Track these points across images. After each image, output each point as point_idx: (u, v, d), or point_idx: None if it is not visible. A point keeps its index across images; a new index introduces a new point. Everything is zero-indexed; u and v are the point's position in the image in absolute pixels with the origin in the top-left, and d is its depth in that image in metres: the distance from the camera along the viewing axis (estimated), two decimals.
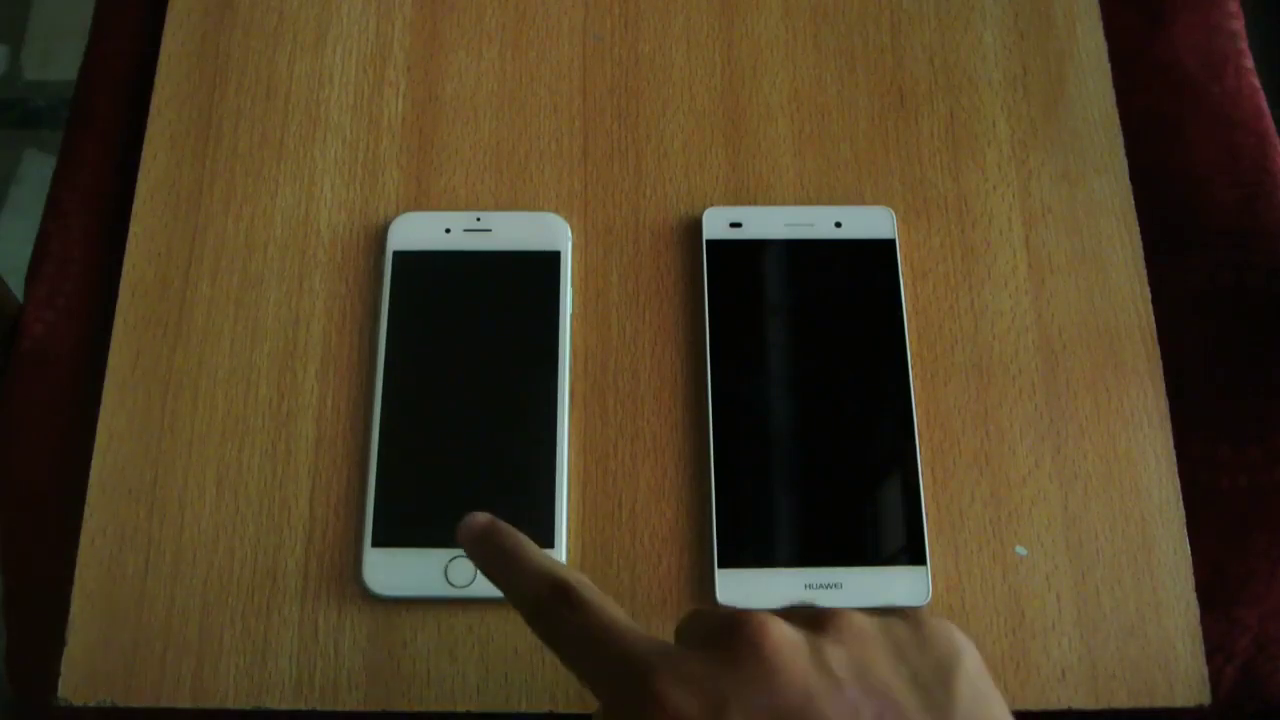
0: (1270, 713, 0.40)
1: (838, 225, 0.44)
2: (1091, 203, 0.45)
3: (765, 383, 0.42)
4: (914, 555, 0.40)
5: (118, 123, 0.49)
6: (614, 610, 0.31)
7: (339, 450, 0.42)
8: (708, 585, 0.40)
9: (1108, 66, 0.48)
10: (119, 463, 0.42)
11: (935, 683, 0.27)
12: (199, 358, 0.43)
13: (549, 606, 0.31)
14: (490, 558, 0.34)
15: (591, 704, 0.39)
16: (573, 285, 0.44)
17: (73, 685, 0.39)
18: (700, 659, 0.28)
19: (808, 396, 0.42)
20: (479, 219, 0.44)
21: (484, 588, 0.39)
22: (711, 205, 0.45)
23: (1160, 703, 0.39)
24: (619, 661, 0.29)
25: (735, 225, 0.44)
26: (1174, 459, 0.42)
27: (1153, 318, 0.44)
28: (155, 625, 0.40)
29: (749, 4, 0.49)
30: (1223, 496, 0.42)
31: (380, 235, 0.45)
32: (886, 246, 0.44)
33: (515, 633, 0.40)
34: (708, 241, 0.44)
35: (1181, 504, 0.41)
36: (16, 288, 0.47)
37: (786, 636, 0.28)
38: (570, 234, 0.45)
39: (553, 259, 0.44)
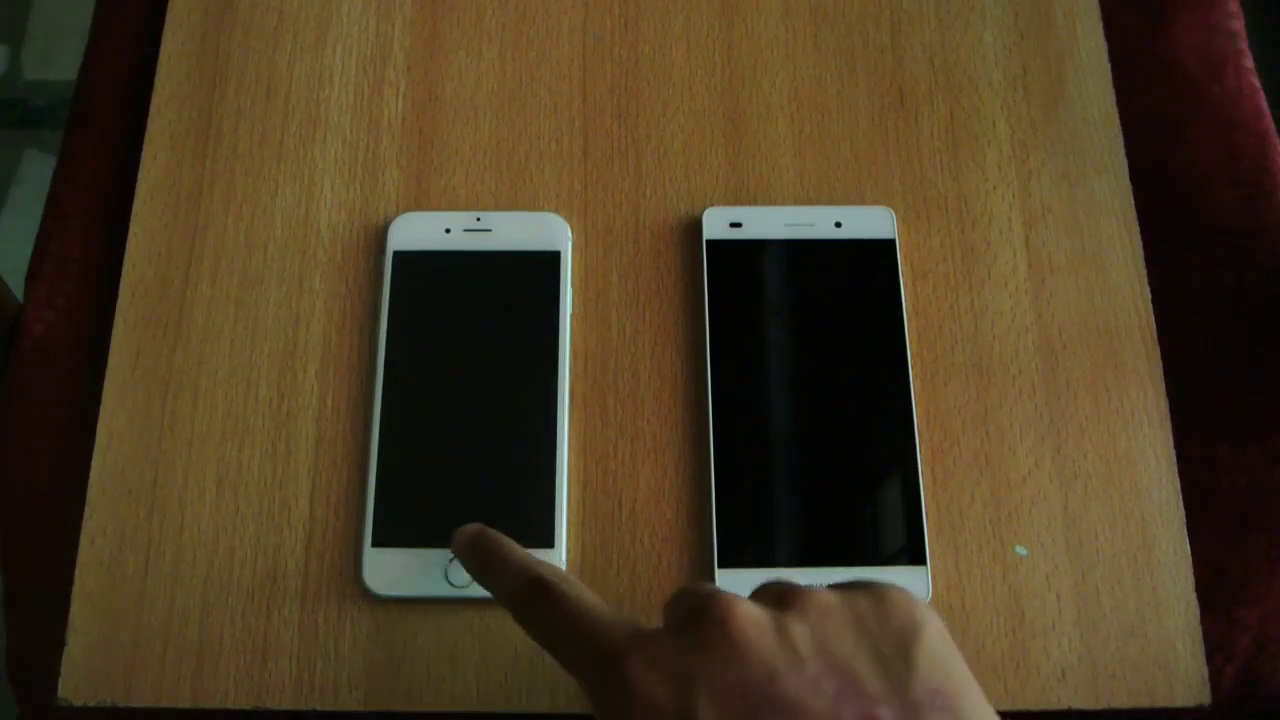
0: (1270, 713, 0.40)
1: (838, 225, 0.44)
2: (1091, 203, 0.45)
3: (765, 383, 0.42)
4: (914, 555, 0.40)
5: (118, 123, 0.49)
6: (590, 598, 0.32)
7: (339, 450, 0.42)
8: None
9: (1108, 66, 0.48)
10: (119, 463, 0.42)
11: (895, 654, 0.28)
12: (199, 358, 0.43)
13: (529, 601, 0.33)
14: (478, 561, 0.36)
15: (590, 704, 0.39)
16: (573, 285, 0.44)
17: (73, 685, 0.39)
18: (670, 640, 0.29)
19: (808, 396, 0.42)
20: (479, 219, 0.44)
21: (484, 588, 0.39)
22: (711, 205, 0.45)
23: (1160, 703, 0.39)
24: (593, 648, 0.30)
25: (735, 225, 0.44)
26: (1174, 459, 0.42)
27: (1153, 318, 0.44)
28: (155, 625, 0.40)
29: (749, 4, 0.49)
30: (1223, 496, 0.42)
31: (380, 235, 0.45)
32: (886, 246, 0.44)
33: (515, 633, 0.40)
34: (708, 241, 0.44)
35: (1181, 504, 0.41)
36: (16, 288, 0.47)
37: (751, 616, 0.28)
38: (570, 234, 0.45)
39: (553, 259, 0.44)
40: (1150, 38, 0.49)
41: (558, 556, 0.40)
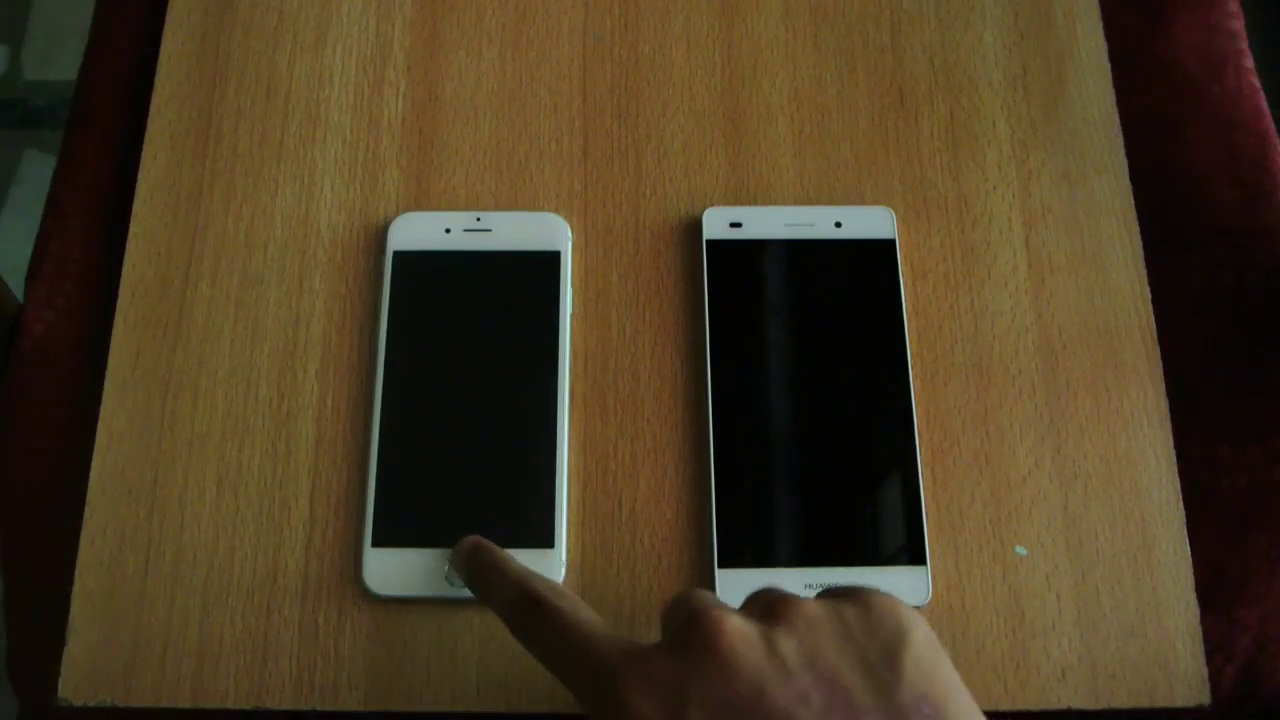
0: (1270, 713, 0.40)
1: (838, 225, 0.44)
2: (1091, 203, 0.45)
3: (765, 383, 0.42)
4: (914, 555, 0.40)
5: (118, 123, 0.49)
6: (583, 612, 0.33)
7: (339, 450, 0.42)
8: (708, 585, 0.40)
9: (1108, 66, 0.48)
10: (119, 463, 0.42)
11: (882, 663, 0.28)
12: (199, 358, 0.43)
13: (523, 613, 0.34)
14: (475, 573, 0.37)
15: None
16: (573, 285, 0.44)
17: (73, 685, 0.39)
18: (662, 657, 0.29)
19: (808, 396, 0.42)
20: (479, 219, 0.44)
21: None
22: (711, 205, 0.45)
23: (1160, 703, 0.39)
24: (587, 665, 0.31)
25: (735, 225, 0.44)
26: (1174, 459, 0.42)
27: (1153, 318, 0.44)
28: (155, 625, 0.40)
29: (749, 4, 0.49)
30: (1223, 496, 0.42)
31: (380, 235, 0.45)
32: (886, 246, 0.44)
33: None
34: (708, 241, 0.44)
35: (1181, 504, 0.41)
36: (16, 288, 0.47)
37: (739, 630, 0.29)
38: (570, 234, 0.45)
39: (553, 259, 0.44)
40: (1150, 38, 0.49)
41: (558, 556, 0.40)
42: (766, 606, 0.30)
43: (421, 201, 0.46)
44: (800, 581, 0.39)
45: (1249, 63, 0.49)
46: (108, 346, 0.43)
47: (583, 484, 0.42)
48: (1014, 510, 0.41)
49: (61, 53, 1.12)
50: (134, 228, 0.45)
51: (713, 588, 0.40)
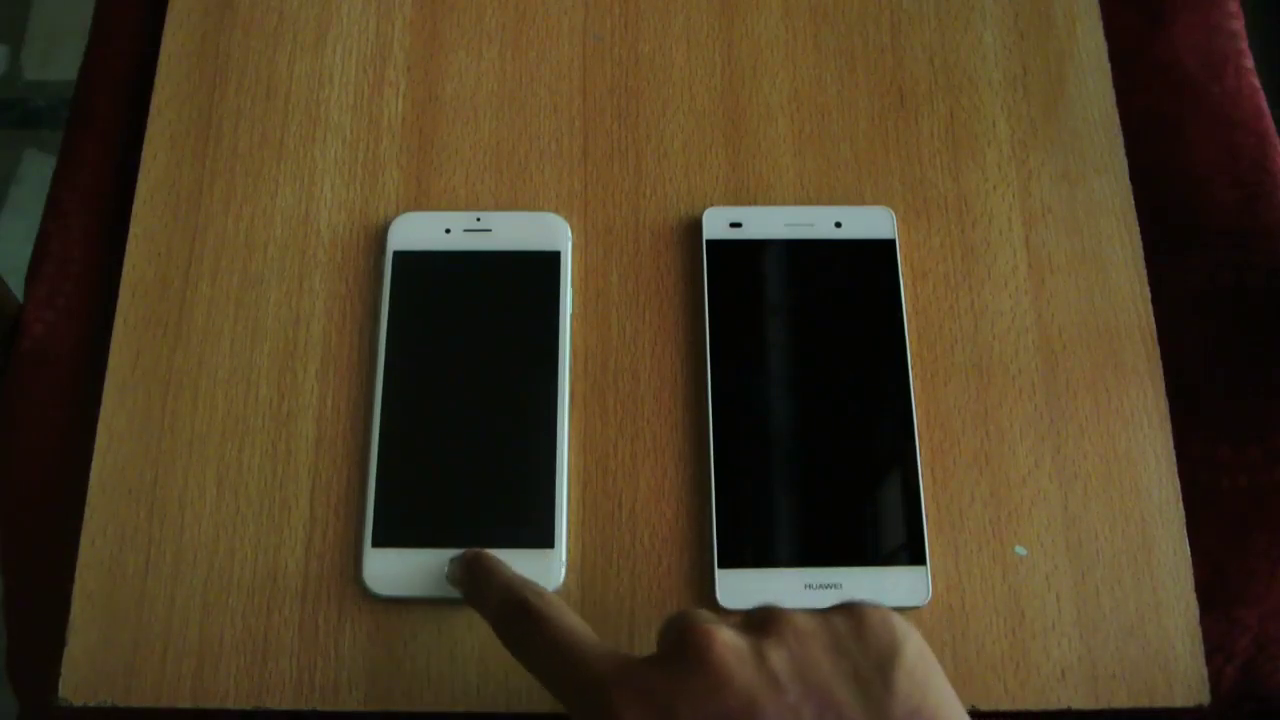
0: (1270, 713, 0.40)
1: (838, 225, 0.44)
2: (1091, 203, 0.45)
3: (765, 383, 0.42)
4: (914, 555, 0.40)
5: (118, 123, 0.49)
6: (571, 621, 0.33)
7: (339, 450, 0.42)
8: (708, 585, 0.40)
9: (1108, 66, 0.48)
10: (119, 463, 0.42)
11: (874, 677, 0.28)
12: (199, 358, 0.43)
13: (509, 619, 0.34)
14: (468, 580, 0.37)
15: None
16: (573, 285, 0.44)
17: (73, 685, 0.39)
18: (653, 671, 0.29)
19: (808, 396, 0.42)
20: (479, 219, 0.44)
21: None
22: (711, 205, 0.45)
23: (1160, 703, 0.39)
24: (578, 677, 0.31)
25: (735, 225, 0.44)
26: (1174, 459, 0.42)
27: (1153, 318, 0.44)
28: (155, 625, 0.40)
29: (749, 4, 0.49)
30: (1223, 496, 0.42)
31: (380, 235, 0.45)
32: (886, 246, 0.44)
33: None
34: (708, 241, 0.44)
35: (1181, 504, 0.41)
36: (16, 288, 0.47)
37: (730, 644, 0.29)
38: (570, 234, 0.45)
39: (553, 259, 0.44)
40: (1150, 38, 0.49)
41: (558, 556, 0.40)
42: (759, 621, 0.30)
43: (421, 201, 0.46)
44: (800, 582, 0.39)
45: (1249, 63, 0.49)
46: (108, 346, 0.43)
47: (583, 484, 0.42)
48: (1014, 510, 0.41)
49: (61, 53, 1.12)
50: (134, 228, 0.45)
51: (713, 588, 0.40)
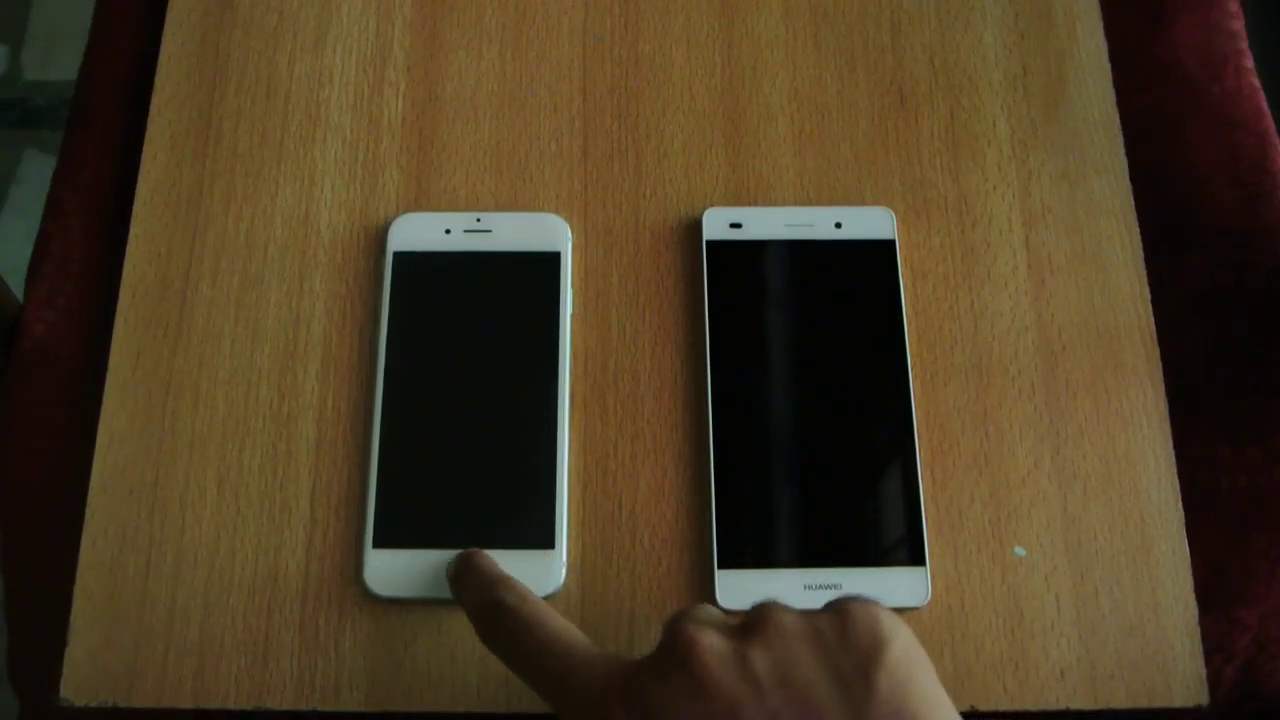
0: (1270, 713, 0.40)
1: (838, 226, 0.44)
2: (1091, 203, 0.45)
3: (765, 383, 0.42)
4: (913, 556, 0.40)
5: (118, 123, 0.49)
6: (558, 623, 0.32)
7: (340, 451, 0.42)
8: (708, 585, 0.40)
9: (1108, 66, 0.48)
10: (120, 463, 0.42)
11: (856, 677, 0.28)
12: (199, 358, 0.43)
13: (490, 621, 0.34)
14: (455, 580, 0.37)
15: None
16: (573, 286, 0.44)
17: (74, 686, 0.39)
18: (643, 678, 0.29)
19: (807, 397, 0.42)
20: (479, 219, 0.44)
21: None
22: (711, 205, 0.45)
23: (1159, 703, 0.39)
24: (570, 686, 0.31)
25: (735, 226, 0.44)
26: (1174, 459, 0.42)
27: (1153, 318, 0.44)
28: (156, 626, 0.40)
29: (749, 4, 0.49)
30: (1223, 496, 0.42)
31: (380, 235, 0.45)
32: (886, 247, 0.44)
33: None
34: (708, 242, 0.44)
35: (1181, 504, 0.41)
36: (16, 288, 0.47)
37: (714, 649, 0.29)
38: (570, 234, 0.45)
39: (553, 259, 0.44)
40: (1150, 38, 0.49)
41: (558, 557, 0.40)
42: (749, 622, 0.30)
43: (421, 202, 0.46)
44: (800, 582, 0.40)
45: (1249, 63, 0.49)
46: (108, 347, 0.43)
47: (583, 484, 0.42)
48: (1013, 511, 0.41)
49: (61, 53, 1.12)
50: (134, 228, 0.45)
51: (713, 588, 0.40)
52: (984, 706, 0.39)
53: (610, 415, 0.43)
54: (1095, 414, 0.42)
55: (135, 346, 0.43)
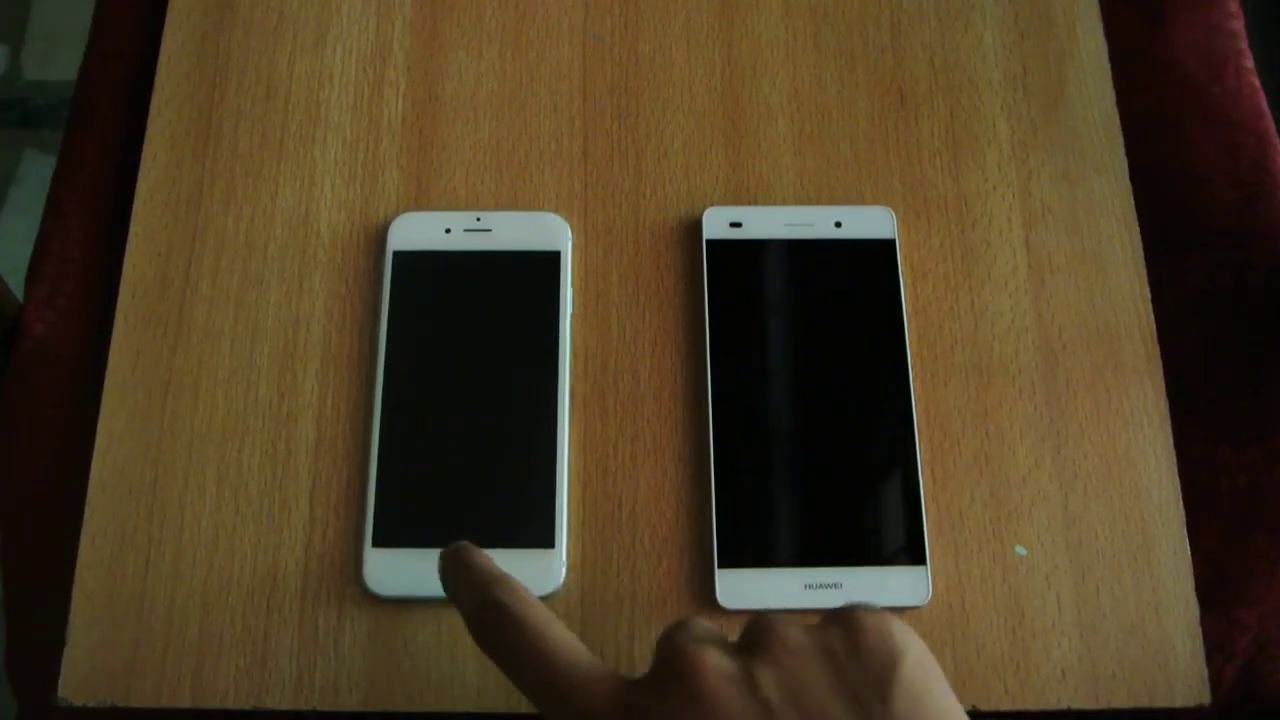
0: (1270, 713, 0.40)
1: (838, 225, 0.44)
2: (1091, 203, 0.45)
3: (765, 383, 0.42)
4: (914, 555, 0.40)
5: (118, 123, 0.49)
6: (557, 631, 0.30)
7: (339, 450, 0.42)
8: (708, 585, 0.40)
9: (1108, 66, 0.48)
10: (119, 463, 0.42)
11: (871, 695, 0.27)
12: (199, 358, 0.43)
13: (485, 620, 0.31)
14: (445, 575, 0.34)
15: None
16: (573, 285, 0.44)
17: (73, 685, 0.39)
18: (646, 698, 0.28)
19: (808, 396, 0.42)
20: (479, 219, 0.44)
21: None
22: (711, 205, 0.45)
23: (1160, 703, 0.39)
24: (570, 706, 0.29)
25: (735, 225, 0.44)
26: (1174, 459, 0.42)
27: (1153, 318, 0.44)
28: (155, 625, 0.40)
29: (749, 4, 0.49)
30: (1223, 496, 0.42)
31: (380, 235, 0.45)
32: (886, 246, 0.44)
33: None
34: (708, 241, 0.44)
35: (1181, 504, 0.41)
36: (16, 288, 0.47)
37: (719, 668, 0.27)
38: (570, 234, 0.45)
39: (553, 259, 0.44)
40: (1150, 38, 0.49)
41: (558, 556, 0.40)
42: (752, 638, 0.29)
43: (421, 201, 0.46)
44: (800, 582, 0.39)
45: (1249, 63, 0.49)
46: (108, 346, 0.43)
47: (583, 484, 0.42)
48: (1014, 510, 0.41)
49: (61, 53, 1.12)
50: (134, 228, 0.45)
51: (713, 588, 0.40)
52: (985, 706, 0.39)
53: (610, 415, 0.43)
54: (1095, 414, 0.42)
55: (135, 346, 0.43)
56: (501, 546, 0.40)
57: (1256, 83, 0.49)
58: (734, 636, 0.30)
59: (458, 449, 0.41)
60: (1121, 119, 0.47)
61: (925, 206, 0.45)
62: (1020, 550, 0.41)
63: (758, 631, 0.29)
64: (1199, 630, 0.40)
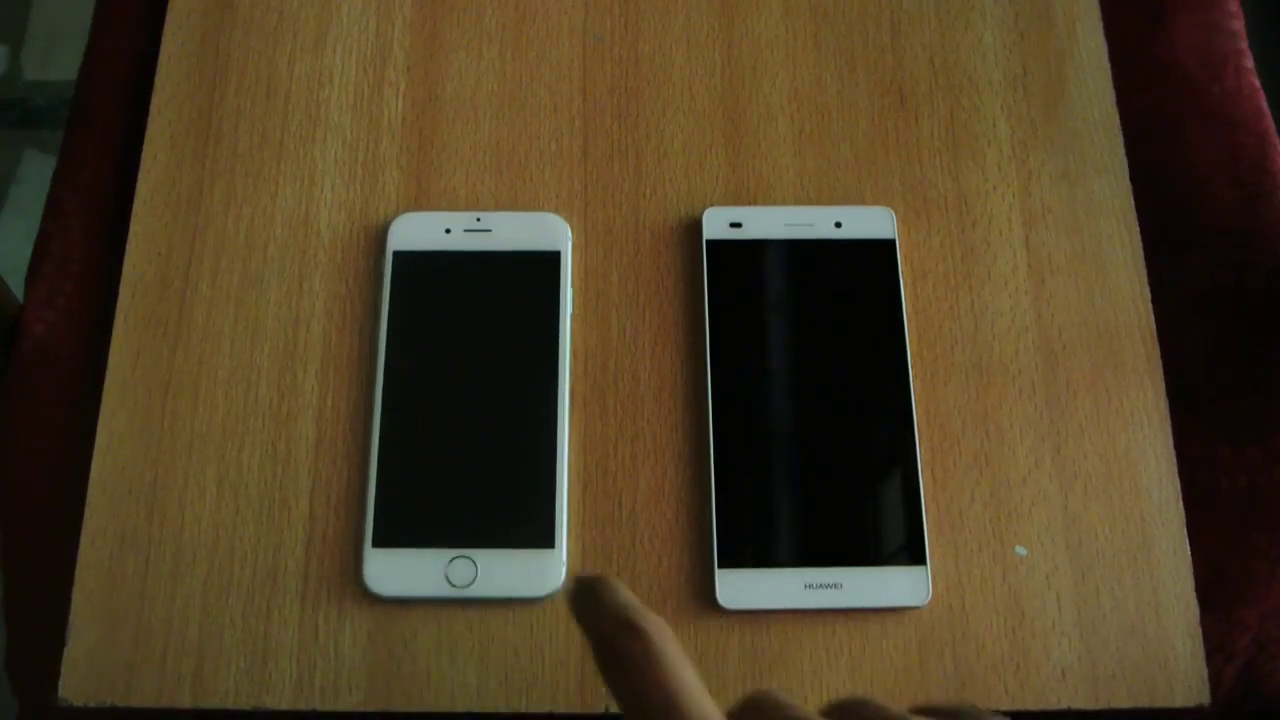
0: (1270, 713, 0.40)
1: (838, 225, 0.44)
2: (1091, 203, 0.45)
3: (765, 383, 0.42)
4: (914, 555, 0.40)
5: (118, 123, 0.49)
6: (687, 670, 0.28)
7: (339, 450, 0.42)
8: (708, 585, 0.40)
9: (1108, 66, 0.48)
10: (119, 463, 0.42)
11: None
12: (199, 358, 0.43)
13: (619, 645, 0.29)
14: (582, 595, 0.32)
15: (591, 704, 0.39)
16: (573, 285, 0.44)
17: (73, 686, 0.39)
18: None
19: (808, 396, 0.42)
20: (479, 219, 0.44)
21: (484, 588, 0.39)
22: (711, 205, 0.45)
23: (1160, 703, 0.39)
24: None
25: (735, 225, 0.44)
26: (1174, 459, 0.42)
27: (1153, 318, 0.44)
28: (155, 625, 0.40)
29: (749, 4, 0.49)
30: (1223, 496, 0.42)
31: (380, 235, 0.45)
32: (886, 246, 0.44)
33: (515, 633, 0.40)
34: (708, 241, 0.44)
35: (1181, 504, 0.41)
36: (16, 288, 0.47)
37: None
38: (570, 234, 0.45)
39: (553, 259, 0.44)
40: (1150, 38, 0.49)
41: (558, 556, 0.40)
42: None
43: (421, 201, 0.46)
44: (800, 582, 0.39)
45: (1249, 63, 0.49)
46: (108, 346, 0.43)
47: (583, 484, 0.42)
48: (1014, 510, 0.41)
49: (61, 53, 1.12)
50: (134, 228, 0.45)
51: (713, 588, 0.40)
52: (985, 706, 0.39)
53: (610, 415, 0.43)
54: (1095, 413, 0.42)
55: (135, 346, 0.43)
56: (501, 546, 0.40)
57: (1256, 83, 0.49)
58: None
59: (458, 449, 0.41)
60: (1121, 119, 0.47)
61: (925, 206, 0.45)
62: (1020, 550, 0.41)
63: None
64: (1199, 630, 0.40)
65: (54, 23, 1.13)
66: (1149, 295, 0.44)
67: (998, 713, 0.37)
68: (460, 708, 0.39)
